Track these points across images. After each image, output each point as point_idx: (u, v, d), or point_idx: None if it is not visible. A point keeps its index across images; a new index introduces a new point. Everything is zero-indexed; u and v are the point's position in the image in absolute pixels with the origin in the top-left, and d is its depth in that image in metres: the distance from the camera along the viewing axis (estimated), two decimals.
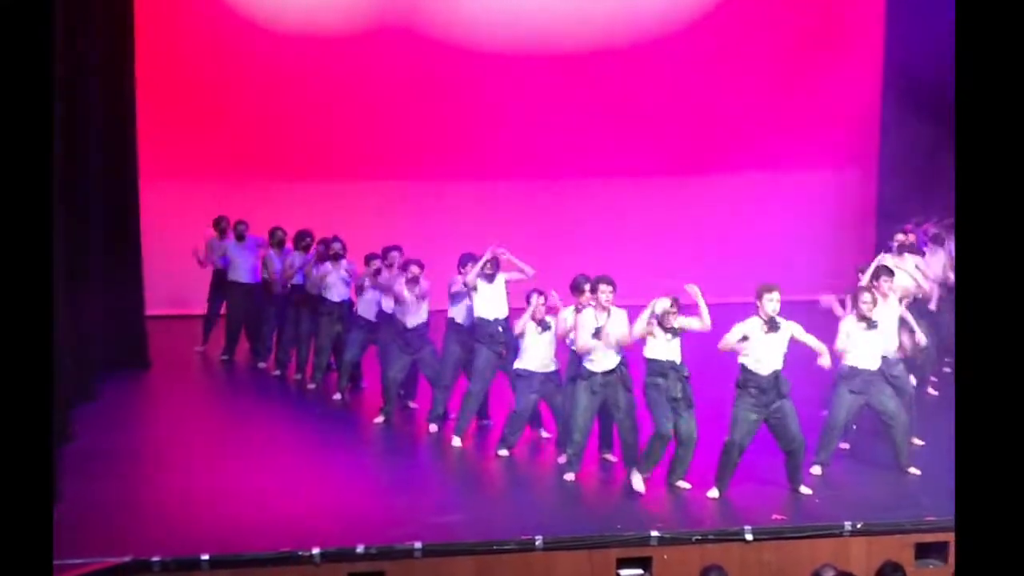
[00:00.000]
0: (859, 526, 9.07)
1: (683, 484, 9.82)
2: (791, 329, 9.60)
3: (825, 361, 9.61)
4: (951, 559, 8.95)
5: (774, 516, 9.23)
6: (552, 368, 10.56)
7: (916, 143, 15.32)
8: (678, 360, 9.69)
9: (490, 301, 11.00)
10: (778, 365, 9.58)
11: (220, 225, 14.02)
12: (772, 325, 9.51)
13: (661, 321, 9.60)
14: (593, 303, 9.90)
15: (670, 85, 16.49)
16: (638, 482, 9.73)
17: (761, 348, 9.53)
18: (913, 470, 10.22)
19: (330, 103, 16.08)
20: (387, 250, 11.82)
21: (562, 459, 10.28)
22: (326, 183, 16.15)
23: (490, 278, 10.98)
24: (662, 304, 9.63)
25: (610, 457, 10.42)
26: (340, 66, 16.02)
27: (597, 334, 9.82)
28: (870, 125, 16.96)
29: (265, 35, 15.84)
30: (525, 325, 10.44)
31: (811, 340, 9.64)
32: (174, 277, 15.18)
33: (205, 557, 8.46)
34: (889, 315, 10.43)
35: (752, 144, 16.72)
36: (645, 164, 16.65)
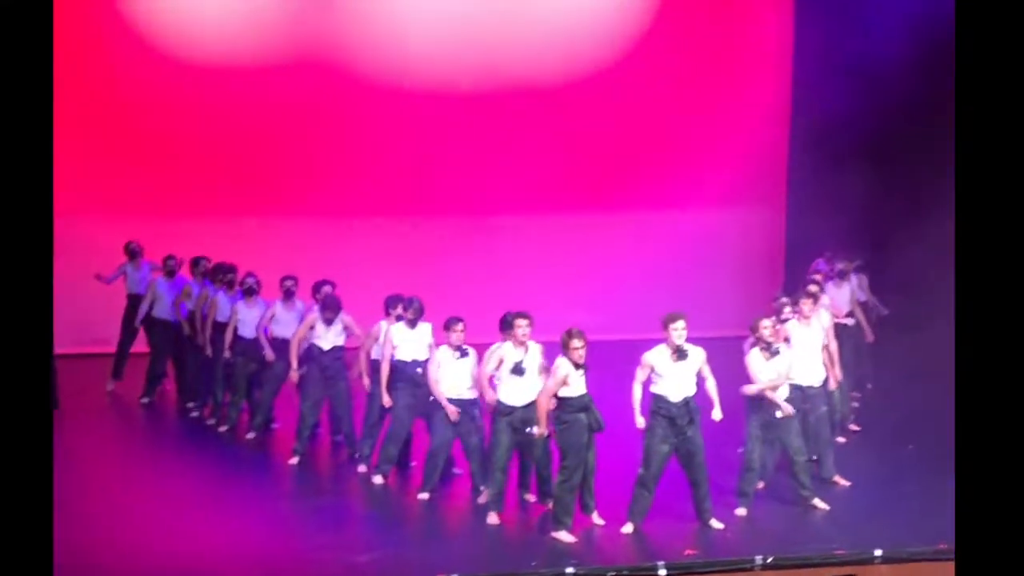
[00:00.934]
0: (769, 560, 9.16)
1: (596, 520, 9.87)
2: (699, 357, 9.78)
3: (716, 414, 9.79)
4: None
5: (686, 551, 9.30)
6: (469, 397, 10.49)
7: (823, 180, 15.60)
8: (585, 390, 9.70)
9: (410, 343, 10.95)
10: (689, 392, 9.74)
11: (130, 248, 13.83)
12: (680, 354, 9.68)
13: (575, 359, 9.58)
14: (511, 338, 9.93)
15: (585, 125, 16.74)
16: (530, 496, 10.08)
17: (670, 376, 9.68)
18: (819, 503, 10.36)
19: (248, 138, 16.07)
20: (319, 284, 11.79)
21: (482, 499, 10.27)
22: (245, 218, 16.09)
23: (412, 323, 10.94)
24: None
25: (529, 497, 10.38)
26: (258, 100, 16.02)
27: (517, 369, 9.86)
28: (778, 163, 17.28)
29: (182, 69, 15.79)
30: (441, 353, 10.43)
31: (710, 383, 9.84)
32: (84, 315, 14.97)
33: None
34: (811, 341, 10.57)
35: (662, 182, 16.98)
36: (560, 202, 16.86)
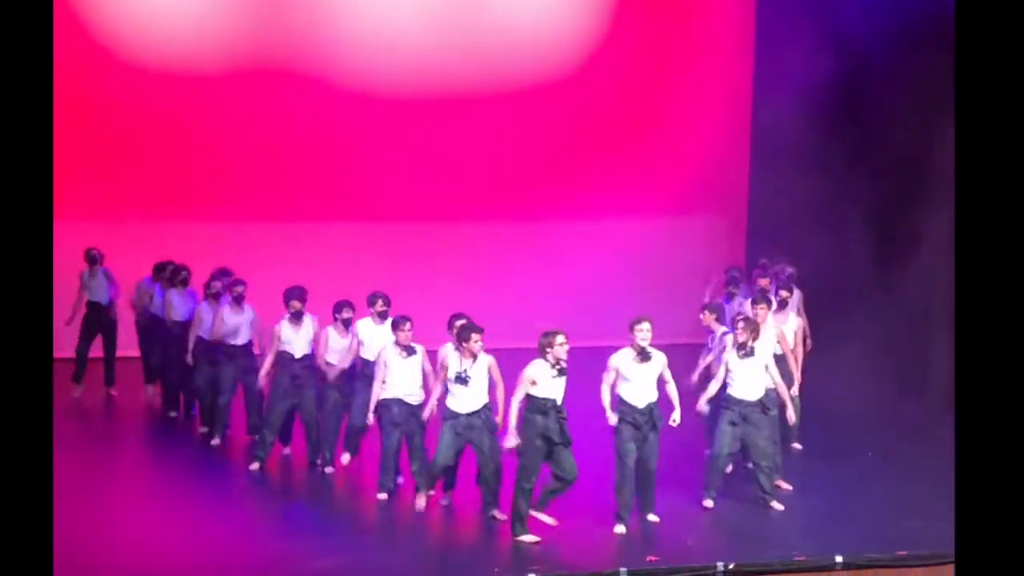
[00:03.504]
0: (731, 566, 9.19)
1: (546, 518, 9.85)
2: (661, 362, 9.91)
3: (676, 417, 9.92)
4: None
5: (648, 557, 9.32)
6: (417, 399, 10.50)
7: (783, 190, 15.70)
8: (559, 399, 9.72)
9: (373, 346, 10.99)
10: (652, 397, 9.89)
11: (89, 255, 13.68)
12: (644, 355, 9.82)
13: (556, 356, 9.53)
14: (463, 350, 9.97)
15: (544, 131, 16.75)
16: (499, 514, 9.98)
17: (635, 379, 9.81)
18: (776, 504, 10.48)
19: (208, 144, 15.97)
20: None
21: (420, 502, 10.27)
22: (211, 223, 15.96)
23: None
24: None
25: (498, 515, 10.18)
26: (219, 106, 15.95)
27: (460, 378, 9.91)
28: (739, 172, 17.37)
29: (148, 77, 15.66)
30: (387, 352, 10.42)
31: (671, 387, 10.02)
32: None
33: None
34: (765, 349, 10.68)
35: (622, 190, 17.02)
36: (519, 209, 16.89)
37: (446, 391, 10.08)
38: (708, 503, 10.47)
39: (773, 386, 10.61)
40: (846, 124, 15.13)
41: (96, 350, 13.98)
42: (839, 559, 9.35)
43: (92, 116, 15.60)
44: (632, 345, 9.85)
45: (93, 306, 13.78)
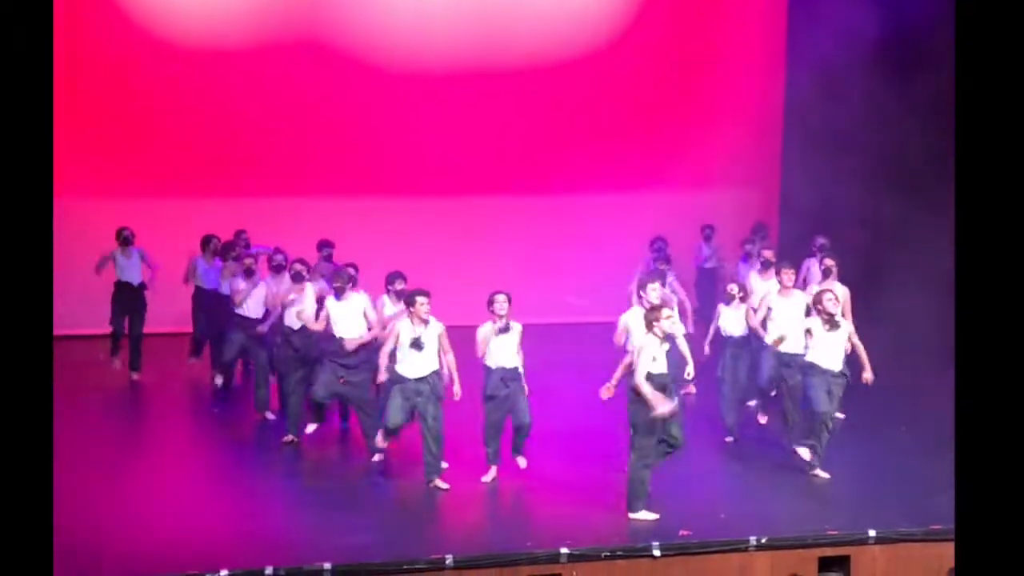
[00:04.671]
0: (763, 540, 9.21)
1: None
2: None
3: (689, 371, 10.40)
4: (853, 573, 9.17)
5: (681, 532, 9.33)
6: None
7: (816, 165, 15.61)
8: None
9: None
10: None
11: (122, 235, 13.70)
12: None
13: (663, 330, 9.55)
14: (412, 315, 10.14)
15: (580, 105, 16.79)
16: (443, 484, 10.24)
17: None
18: (821, 472, 10.58)
19: (230, 117, 16.07)
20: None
21: (376, 457, 10.69)
22: (235, 198, 16.05)
23: (399, 296, 11.12)
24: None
25: (440, 484, 10.25)
26: (243, 80, 16.00)
27: (416, 344, 10.06)
28: (772, 143, 17.29)
29: (173, 51, 15.75)
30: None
31: (682, 343, 10.41)
32: (80, 296, 14.95)
33: None
34: (793, 311, 11.10)
35: (655, 162, 17.01)
36: (554, 182, 16.92)
37: (396, 358, 10.19)
38: (805, 452, 10.62)
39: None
40: (880, 95, 15.00)
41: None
42: (872, 533, 9.34)
43: (123, 93, 15.69)
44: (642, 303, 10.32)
45: (123, 286, 13.75)
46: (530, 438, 10.68)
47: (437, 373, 10.25)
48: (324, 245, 13.47)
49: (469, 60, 16.53)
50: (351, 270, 11.45)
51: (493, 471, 10.50)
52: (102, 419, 12.66)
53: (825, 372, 10.52)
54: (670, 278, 12.46)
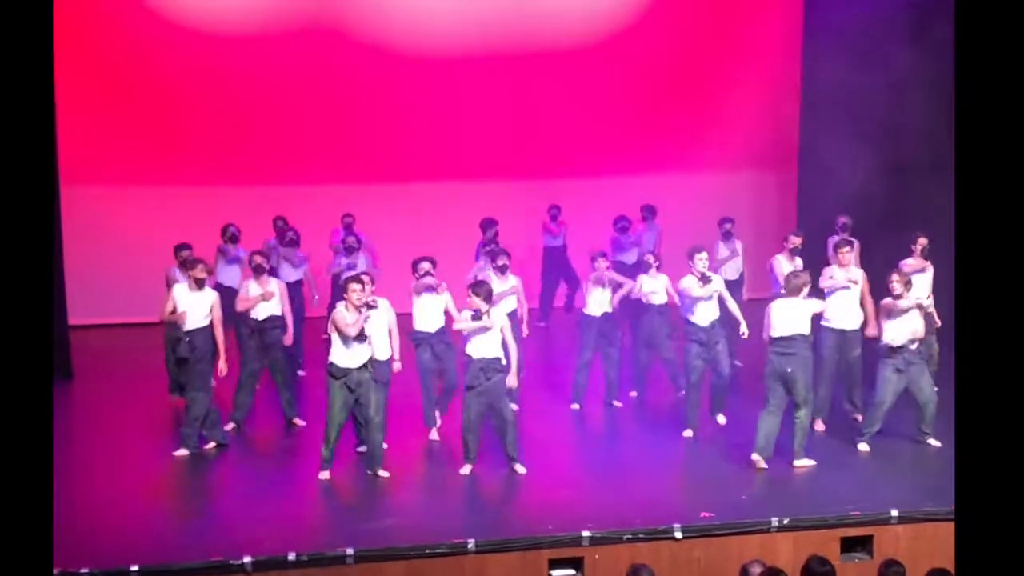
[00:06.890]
0: (785, 521, 9.20)
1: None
2: (719, 282, 11.27)
3: (744, 330, 11.11)
4: (876, 552, 9.14)
5: (702, 514, 9.33)
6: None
7: (834, 148, 15.53)
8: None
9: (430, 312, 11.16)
10: (715, 315, 11.14)
11: (228, 232, 13.63)
12: (704, 279, 11.12)
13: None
14: (346, 301, 9.97)
15: (599, 88, 16.82)
16: (383, 472, 10.16)
17: (699, 302, 11.05)
18: (934, 441, 10.88)
19: (251, 105, 16.09)
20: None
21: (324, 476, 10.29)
22: (250, 187, 16.11)
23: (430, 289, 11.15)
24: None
25: (382, 473, 10.15)
26: (258, 66, 16.03)
27: (362, 335, 9.96)
28: (791, 126, 17.22)
29: (192, 37, 15.77)
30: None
31: (732, 304, 11.30)
32: (96, 285, 15.03)
33: (135, 568, 8.37)
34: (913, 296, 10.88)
35: (675, 145, 17.00)
36: (574, 164, 16.93)
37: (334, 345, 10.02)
38: (864, 447, 10.81)
39: (840, 327, 11.26)
40: (898, 76, 14.90)
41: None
42: (895, 513, 9.32)
43: (136, 81, 15.72)
44: (692, 271, 11.11)
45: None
46: (549, 422, 10.63)
47: (371, 361, 10.11)
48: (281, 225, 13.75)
49: (491, 43, 16.50)
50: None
51: (468, 468, 10.28)
52: (117, 408, 12.62)
53: (899, 350, 10.61)
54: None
